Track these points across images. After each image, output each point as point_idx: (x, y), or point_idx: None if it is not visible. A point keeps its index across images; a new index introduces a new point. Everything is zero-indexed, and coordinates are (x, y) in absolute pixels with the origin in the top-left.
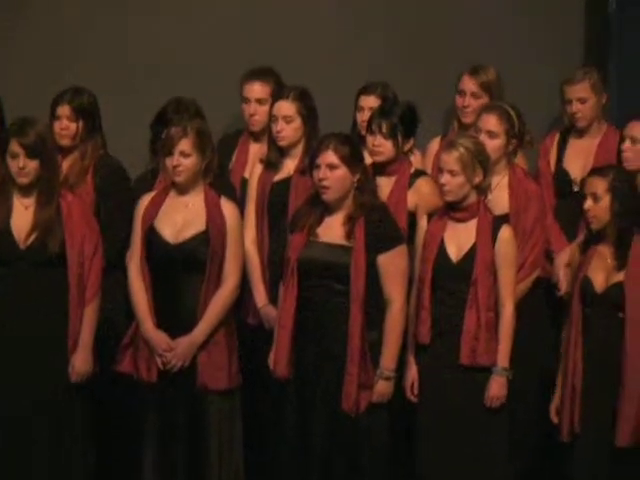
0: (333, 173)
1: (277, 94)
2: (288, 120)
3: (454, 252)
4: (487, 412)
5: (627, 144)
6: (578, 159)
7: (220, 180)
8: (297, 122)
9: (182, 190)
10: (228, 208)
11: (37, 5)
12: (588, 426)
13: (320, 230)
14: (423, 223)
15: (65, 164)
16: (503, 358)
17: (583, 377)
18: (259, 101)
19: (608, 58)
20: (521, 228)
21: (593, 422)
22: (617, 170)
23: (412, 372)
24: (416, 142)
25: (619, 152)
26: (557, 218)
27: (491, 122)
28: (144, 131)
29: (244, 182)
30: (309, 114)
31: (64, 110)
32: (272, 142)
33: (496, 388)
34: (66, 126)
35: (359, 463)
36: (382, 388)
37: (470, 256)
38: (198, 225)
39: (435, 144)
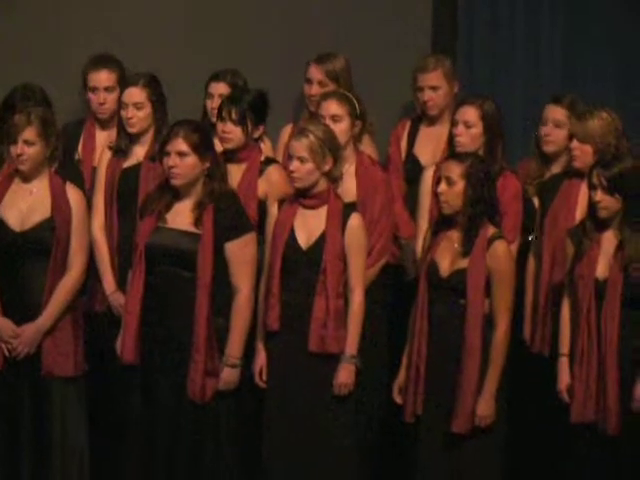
0: (183, 161)
1: (125, 81)
2: (138, 107)
3: (304, 239)
4: (334, 399)
5: (460, 128)
6: (429, 146)
7: (67, 167)
8: (147, 109)
9: (27, 177)
10: (73, 194)
11: None
12: (429, 409)
13: (169, 216)
14: (273, 210)
15: None
16: (351, 345)
17: (426, 360)
18: (107, 89)
19: (456, 46)
20: (368, 216)
21: (434, 406)
22: (475, 157)
23: (261, 358)
24: (267, 130)
25: (451, 137)
26: (407, 204)
27: (332, 107)
28: None
29: (93, 169)
30: (159, 100)
31: None
32: (121, 129)
33: (344, 375)
34: None
35: (204, 450)
36: (228, 375)
37: (319, 243)
38: (43, 212)
39: (286, 132)
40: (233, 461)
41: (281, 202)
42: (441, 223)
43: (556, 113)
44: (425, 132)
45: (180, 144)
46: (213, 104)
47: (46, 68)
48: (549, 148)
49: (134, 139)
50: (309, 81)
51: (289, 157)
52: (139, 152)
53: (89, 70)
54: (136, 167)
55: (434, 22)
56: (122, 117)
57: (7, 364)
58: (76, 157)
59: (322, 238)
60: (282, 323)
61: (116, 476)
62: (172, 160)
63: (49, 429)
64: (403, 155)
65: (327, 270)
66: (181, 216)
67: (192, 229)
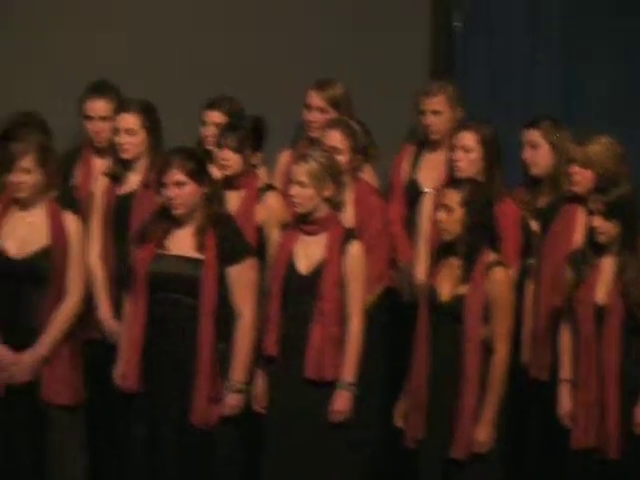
0: (182, 190)
1: (120, 107)
2: (131, 133)
3: (303, 265)
4: (330, 426)
5: (459, 153)
6: (431, 171)
7: (64, 194)
8: (141, 135)
9: (25, 205)
10: (71, 222)
11: None
12: (430, 435)
13: (169, 243)
14: (273, 236)
15: None
16: (348, 372)
17: (427, 385)
18: (103, 118)
19: (454, 72)
20: (365, 242)
21: (434, 431)
22: (473, 183)
23: (260, 384)
24: (264, 156)
25: (450, 162)
26: (407, 228)
27: (335, 138)
28: None
29: (88, 197)
30: (153, 127)
31: None
32: (116, 156)
33: (340, 403)
34: None
35: (206, 475)
36: (232, 401)
37: (319, 270)
38: (41, 240)
39: (284, 157)
40: None
41: (282, 227)
42: (442, 248)
43: (530, 135)
44: (427, 157)
45: (176, 174)
46: (208, 132)
47: (44, 93)
48: (534, 171)
49: (128, 166)
50: (308, 107)
51: (289, 182)
52: (133, 179)
53: (86, 98)
54: (131, 194)
55: (432, 45)
56: (116, 143)
57: (5, 391)
58: (72, 184)
59: (321, 265)
60: (280, 349)
61: None
62: (171, 191)
63: (46, 458)
64: (405, 179)
65: (325, 297)
66: (182, 242)
67: (194, 255)
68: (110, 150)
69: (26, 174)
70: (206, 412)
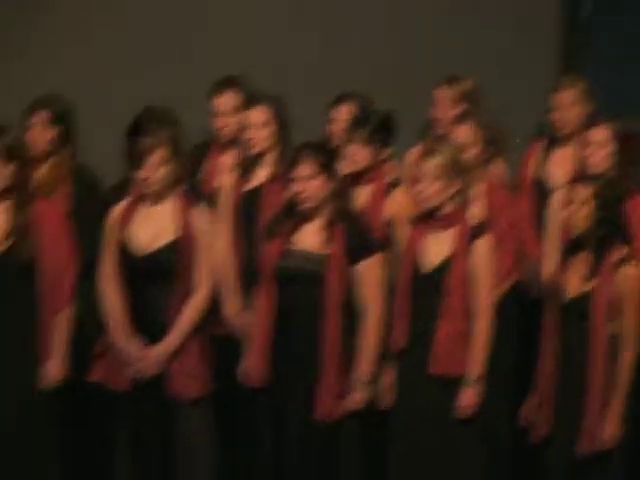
0: (310, 184)
1: (249, 101)
2: (260, 127)
3: (430, 261)
4: (458, 422)
5: (591, 149)
6: (560, 167)
7: (191, 190)
8: (269, 129)
9: (154, 200)
10: (200, 217)
11: None
12: (558, 431)
13: (297, 238)
14: (401, 232)
15: (38, 172)
16: (475, 368)
17: (555, 381)
18: (228, 113)
19: (584, 66)
20: (495, 237)
21: (562, 427)
22: (604, 179)
23: (387, 379)
24: (393, 152)
25: (581, 158)
26: (536, 224)
27: (464, 133)
28: (118, 139)
29: (217, 191)
30: (281, 121)
31: (39, 117)
32: (244, 150)
33: (467, 399)
34: (40, 133)
35: (331, 473)
36: (358, 396)
37: (446, 266)
38: (170, 234)
39: (413, 154)
40: None
41: (410, 223)
42: (571, 245)
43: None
44: (557, 153)
45: (306, 168)
46: (336, 127)
47: (175, 88)
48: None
49: (256, 160)
50: (438, 102)
51: (417, 177)
52: (261, 173)
53: (212, 93)
54: (259, 189)
55: (561, 41)
56: (244, 137)
57: (133, 387)
58: (200, 179)
59: (449, 260)
60: (407, 344)
61: None
62: (300, 185)
63: (176, 452)
64: (534, 175)
65: (452, 293)
66: (310, 237)
67: (321, 250)
68: (238, 145)
69: (156, 169)
70: (331, 407)
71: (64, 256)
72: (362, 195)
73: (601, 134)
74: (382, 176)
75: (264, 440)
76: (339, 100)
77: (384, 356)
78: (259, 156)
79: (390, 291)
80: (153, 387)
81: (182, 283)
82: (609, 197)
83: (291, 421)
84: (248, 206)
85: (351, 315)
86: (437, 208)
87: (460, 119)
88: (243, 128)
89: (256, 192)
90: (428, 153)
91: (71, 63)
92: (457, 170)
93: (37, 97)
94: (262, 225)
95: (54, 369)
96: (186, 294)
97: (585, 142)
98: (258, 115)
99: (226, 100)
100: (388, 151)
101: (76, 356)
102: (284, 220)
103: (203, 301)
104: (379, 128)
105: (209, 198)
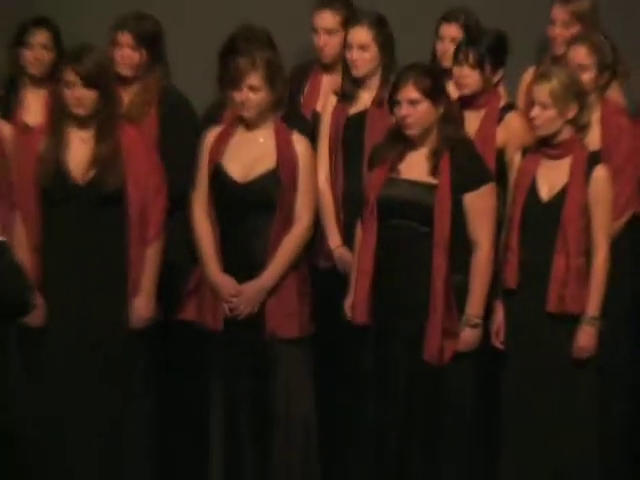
0: (416, 108)
1: (351, 21)
2: (364, 48)
3: (545, 191)
4: (575, 364)
5: None
6: None
7: (292, 114)
8: (373, 51)
9: (251, 125)
10: (300, 144)
11: None
12: None
13: (402, 166)
14: (515, 160)
15: (126, 96)
16: (594, 306)
17: None
18: (329, 31)
19: None
20: (612, 165)
21: None
22: None
23: (499, 318)
24: (506, 74)
25: None
26: None
27: (581, 54)
28: (211, 60)
29: (316, 116)
30: (386, 42)
31: (126, 38)
32: (346, 73)
33: (585, 338)
34: (128, 55)
35: (442, 415)
36: (468, 336)
37: (561, 196)
38: (268, 162)
39: (528, 76)
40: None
41: (524, 151)
42: None
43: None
44: None
45: (411, 91)
46: (444, 47)
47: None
48: None
49: (360, 84)
50: (553, 21)
51: (530, 103)
52: (365, 97)
53: (314, 10)
54: (362, 114)
55: None
56: (347, 59)
57: (227, 325)
58: (300, 102)
59: (564, 191)
60: (520, 281)
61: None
62: (404, 109)
63: (272, 395)
64: None
65: (568, 225)
66: (416, 166)
67: (428, 179)
68: (340, 66)
69: (253, 92)
70: (439, 348)
71: (153, 186)
72: (472, 121)
73: None
74: (494, 100)
75: (369, 380)
76: (447, 17)
77: (495, 293)
78: (363, 79)
79: (502, 224)
80: (249, 326)
81: (281, 214)
82: None
83: (394, 362)
84: (352, 132)
85: (461, 250)
86: (552, 135)
87: (575, 40)
88: (346, 48)
89: (360, 117)
90: (542, 76)
91: None
92: (573, 94)
93: (123, 15)
94: (367, 152)
95: (143, 306)
96: (285, 226)
97: None
98: (360, 35)
99: (326, 17)
100: (500, 73)
101: (166, 293)
102: (389, 147)
103: (303, 234)
104: (490, 49)
105: (310, 123)
